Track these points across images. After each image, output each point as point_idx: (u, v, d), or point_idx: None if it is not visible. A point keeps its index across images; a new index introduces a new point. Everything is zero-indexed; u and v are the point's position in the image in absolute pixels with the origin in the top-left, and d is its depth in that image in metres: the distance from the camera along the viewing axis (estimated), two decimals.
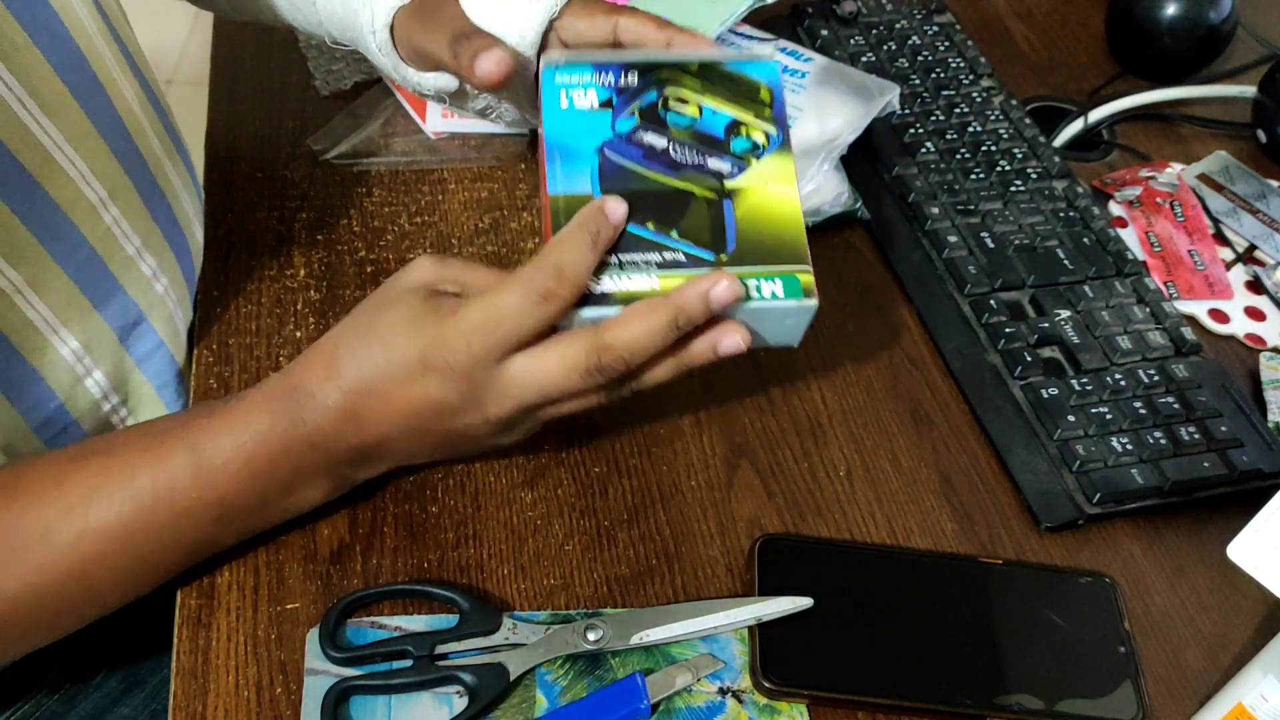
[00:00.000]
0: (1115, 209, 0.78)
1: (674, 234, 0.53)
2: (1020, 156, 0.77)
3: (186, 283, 0.64)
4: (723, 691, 0.52)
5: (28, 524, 0.48)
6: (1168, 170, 0.80)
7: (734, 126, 0.55)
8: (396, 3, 0.60)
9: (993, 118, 0.80)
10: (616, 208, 0.51)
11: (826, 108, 0.75)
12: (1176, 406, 0.64)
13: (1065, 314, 0.68)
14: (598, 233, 0.50)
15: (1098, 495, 0.60)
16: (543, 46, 0.59)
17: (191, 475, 0.50)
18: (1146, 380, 0.65)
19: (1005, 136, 0.79)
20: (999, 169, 0.76)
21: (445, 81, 0.61)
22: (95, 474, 0.49)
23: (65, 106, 0.52)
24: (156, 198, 0.60)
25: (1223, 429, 0.63)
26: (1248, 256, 0.76)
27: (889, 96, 0.76)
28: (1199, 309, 0.72)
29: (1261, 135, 0.83)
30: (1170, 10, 0.84)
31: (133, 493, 0.49)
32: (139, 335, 0.60)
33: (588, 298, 0.51)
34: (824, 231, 0.74)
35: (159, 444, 0.50)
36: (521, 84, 0.60)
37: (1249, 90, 0.85)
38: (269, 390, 0.51)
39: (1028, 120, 0.80)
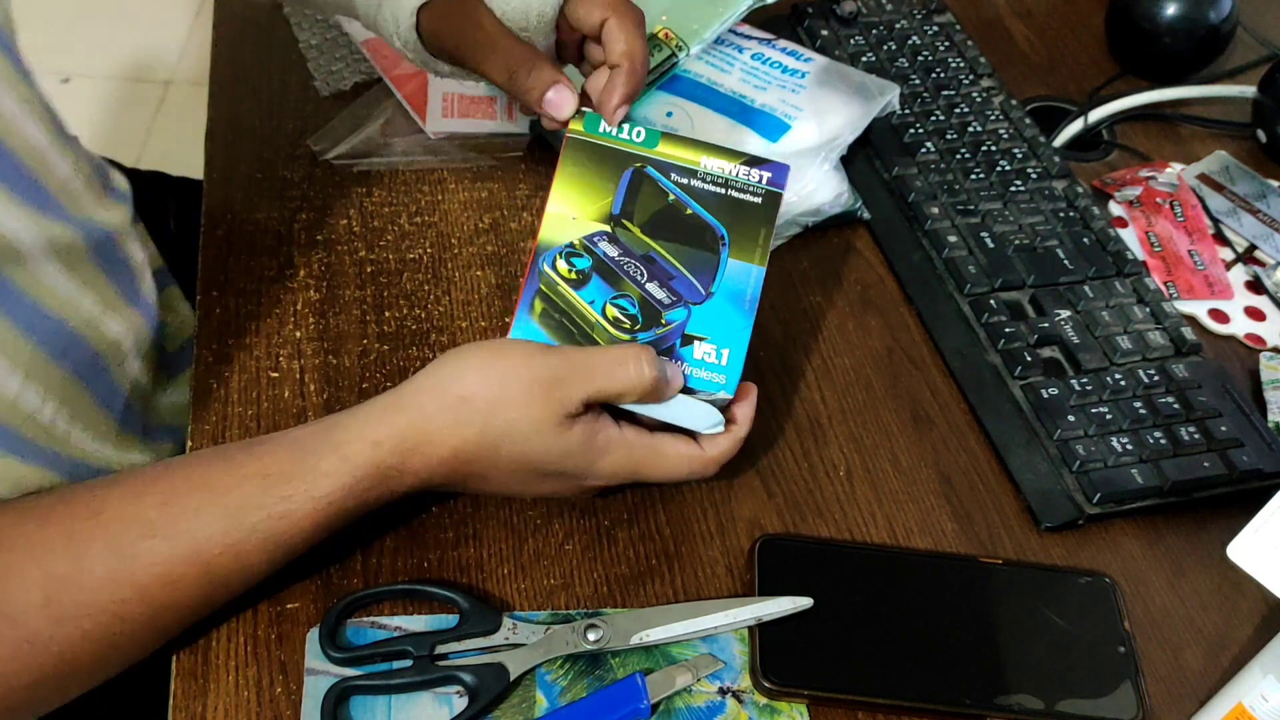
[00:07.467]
0: (1115, 209, 0.78)
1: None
2: (1020, 156, 0.77)
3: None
4: (723, 691, 0.52)
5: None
6: (1168, 170, 0.80)
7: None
8: (416, 2, 0.60)
9: (993, 118, 0.80)
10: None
11: (826, 108, 0.75)
12: (1176, 406, 0.64)
13: (1065, 314, 0.68)
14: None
15: (1098, 495, 0.60)
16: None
17: (267, 556, 0.50)
18: (1146, 380, 0.65)
19: (1005, 136, 0.79)
20: (999, 169, 0.76)
21: (465, 74, 0.63)
22: (164, 557, 0.48)
23: None
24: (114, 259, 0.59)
25: (1223, 429, 0.63)
26: (1248, 256, 0.76)
27: (889, 96, 0.76)
28: (1199, 309, 0.72)
29: (1261, 135, 0.83)
30: (1170, 10, 0.84)
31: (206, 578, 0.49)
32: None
33: None
34: (824, 231, 0.74)
35: (237, 533, 0.49)
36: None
37: (1249, 90, 0.85)
38: (360, 480, 0.51)
39: (1028, 120, 0.80)
